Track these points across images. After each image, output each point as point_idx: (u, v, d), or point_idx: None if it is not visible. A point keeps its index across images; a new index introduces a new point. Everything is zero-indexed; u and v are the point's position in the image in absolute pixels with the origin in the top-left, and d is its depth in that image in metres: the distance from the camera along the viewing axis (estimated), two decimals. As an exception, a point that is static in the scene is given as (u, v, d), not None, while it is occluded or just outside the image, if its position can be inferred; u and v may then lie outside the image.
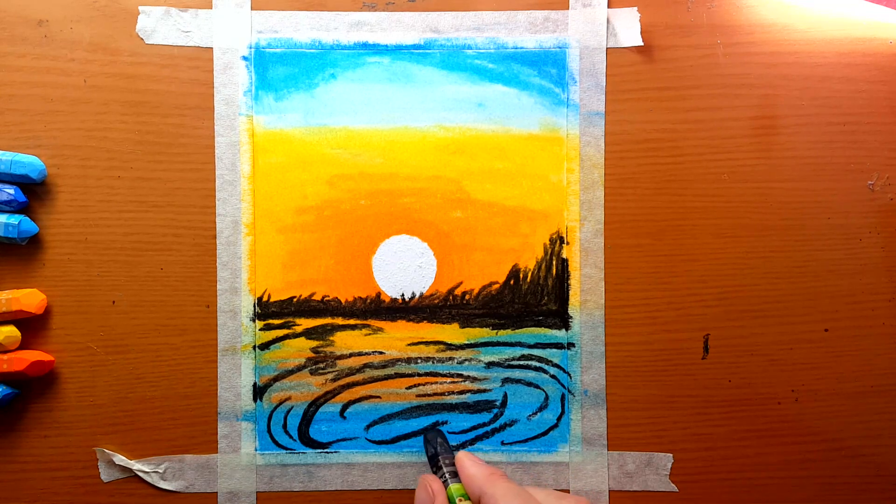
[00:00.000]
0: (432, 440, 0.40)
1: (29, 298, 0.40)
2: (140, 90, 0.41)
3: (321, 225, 0.42)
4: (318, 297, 0.42)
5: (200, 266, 0.42)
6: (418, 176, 0.42)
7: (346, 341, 0.42)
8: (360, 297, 0.42)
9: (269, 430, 0.42)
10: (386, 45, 0.42)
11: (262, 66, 0.42)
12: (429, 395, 0.42)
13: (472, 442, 0.42)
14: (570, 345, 0.42)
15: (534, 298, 0.42)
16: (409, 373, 0.42)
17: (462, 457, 0.36)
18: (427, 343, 0.42)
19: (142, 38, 0.41)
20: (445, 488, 0.36)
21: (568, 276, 0.42)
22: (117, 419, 0.41)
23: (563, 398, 0.42)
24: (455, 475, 0.37)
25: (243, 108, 0.42)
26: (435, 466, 0.39)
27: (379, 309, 0.42)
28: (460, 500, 0.35)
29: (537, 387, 0.42)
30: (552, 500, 0.33)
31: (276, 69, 0.42)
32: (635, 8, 0.42)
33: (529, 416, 0.42)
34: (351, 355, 0.42)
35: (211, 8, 0.42)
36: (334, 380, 0.42)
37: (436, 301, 0.42)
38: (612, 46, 0.42)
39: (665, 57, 0.42)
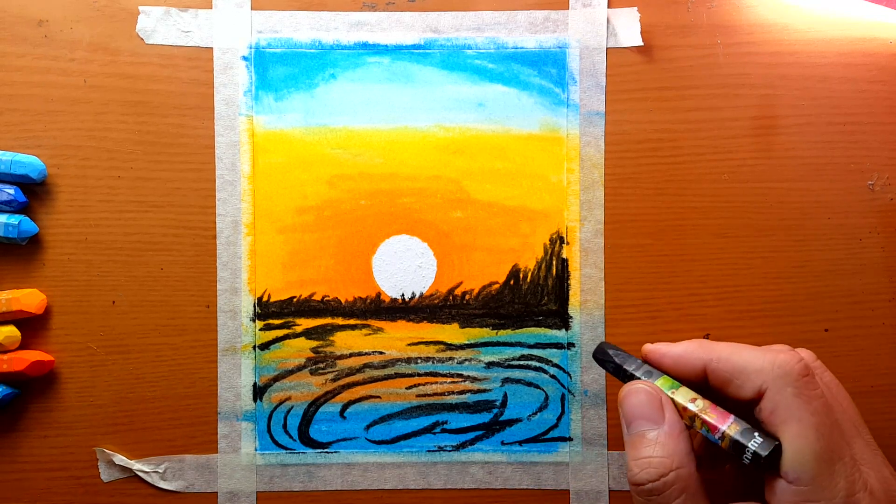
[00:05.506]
0: (604, 355, 0.35)
1: (29, 298, 0.40)
2: (140, 90, 0.41)
3: (321, 225, 0.42)
4: (318, 297, 0.42)
5: (200, 266, 0.42)
6: (418, 176, 0.42)
7: (346, 341, 0.42)
8: (360, 297, 0.42)
9: (269, 430, 0.42)
10: (386, 45, 0.42)
11: (262, 66, 0.42)
12: (429, 395, 0.42)
13: (472, 442, 0.42)
14: (570, 345, 0.42)
15: (534, 298, 0.42)
16: (409, 373, 0.42)
17: (652, 347, 0.34)
18: (427, 343, 0.42)
19: (142, 38, 0.41)
20: None
21: (568, 276, 0.42)
22: (117, 419, 0.41)
23: (563, 398, 0.42)
24: (651, 373, 0.33)
25: (243, 108, 0.42)
26: (626, 379, 0.34)
27: (379, 309, 0.42)
28: (673, 392, 0.32)
29: (537, 387, 0.42)
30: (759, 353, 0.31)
31: (276, 69, 0.42)
32: (635, 8, 0.42)
33: (529, 416, 0.42)
34: (351, 355, 0.42)
35: (211, 8, 0.42)
36: (334, 380, 0.42)
37: (436, 301, 0.42)
38: (612, 46, 0.42)
39: (665, 57, 0.42)
